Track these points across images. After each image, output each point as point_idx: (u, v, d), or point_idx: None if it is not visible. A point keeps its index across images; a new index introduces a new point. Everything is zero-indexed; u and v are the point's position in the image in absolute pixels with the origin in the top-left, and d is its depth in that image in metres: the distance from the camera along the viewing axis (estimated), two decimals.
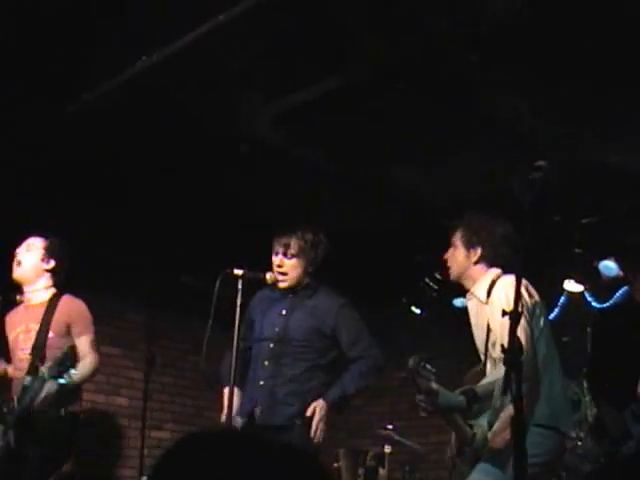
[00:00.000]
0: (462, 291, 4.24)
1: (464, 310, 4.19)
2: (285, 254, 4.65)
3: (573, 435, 3.74)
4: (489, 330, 3.81)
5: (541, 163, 2.95)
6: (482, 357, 3.93)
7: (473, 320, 4.04)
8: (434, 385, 3.60)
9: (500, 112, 5.67)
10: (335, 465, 7.28)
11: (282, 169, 6.47)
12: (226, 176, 6.61)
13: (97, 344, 5.40)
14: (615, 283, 7.19)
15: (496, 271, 4.00)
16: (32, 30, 4.87)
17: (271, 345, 4.64)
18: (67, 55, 5.03)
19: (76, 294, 7.31)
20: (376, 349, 4.67)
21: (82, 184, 6.50)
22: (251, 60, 5.12)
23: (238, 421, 4.50)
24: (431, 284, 7.67)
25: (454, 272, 4.15)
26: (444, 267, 4.25)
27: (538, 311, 3.81)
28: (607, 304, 7.41)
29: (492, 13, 4.61)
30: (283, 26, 4.81)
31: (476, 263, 4.03)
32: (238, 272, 4.38)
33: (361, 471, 6.48)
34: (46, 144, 6.00)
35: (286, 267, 4.66)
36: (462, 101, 5.52)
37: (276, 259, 4.68)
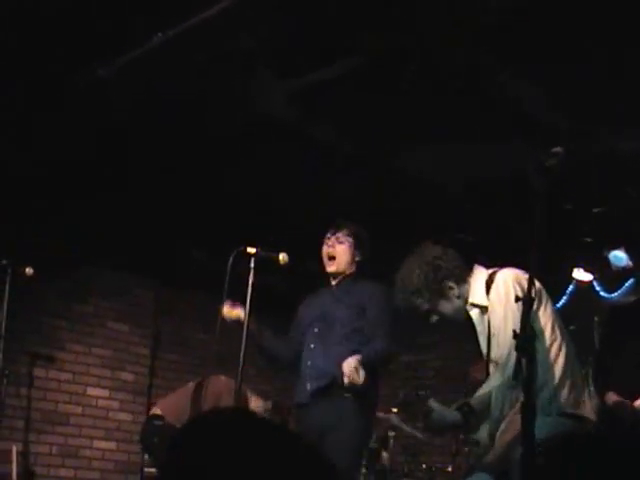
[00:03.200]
0: None
1: None
2: (336, 238, 4.94)
3: (594, 419, 3.62)
4: (489, 332, 3.72)
5: (557, 149, 2.92)
6: (485, 362, 3.84)
7: (479, 329, 3.91)
8: (430, 402, 3.54)
9: (513, 98, 5.65)
10: None
11: (294, 147, 6.45)
12: (237, 153, 6.59)
13: None
14: (624, 273, 7.18)
15: (479, 270, 3.87)
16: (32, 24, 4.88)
17: (315, 330, 4.86)
18: (79, 30, 5.03)
19: (84, 270, 7.37)
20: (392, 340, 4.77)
21: (90, 160, 6.50)
22: (264, 38, 5.09)
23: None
24: None
25: (459, 318, 3.93)
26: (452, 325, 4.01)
27: (544, 298, 3.73)
28: (616, 295, 7.40)
29: None
30: (298, 4, 4.79)
31: (459, 295, 3.85)
32: (251, 250, 4.36)
33: (364, 453, 6.49)
34: (56, 116, 5.98)
35: (336, 250, 4.93)
36: (475, 85, 5.50)
37: (326, 246, 4.95)
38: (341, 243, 4.94)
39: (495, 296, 3.67)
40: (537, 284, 3.67)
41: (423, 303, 3.85)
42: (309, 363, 4.80)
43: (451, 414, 3.54)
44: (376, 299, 4.81)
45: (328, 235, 4.99)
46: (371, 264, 4.93)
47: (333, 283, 4.99)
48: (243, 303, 4.34)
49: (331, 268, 4.93)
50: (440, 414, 3.53)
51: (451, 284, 3.84)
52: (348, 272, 4.96)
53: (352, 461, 4.71)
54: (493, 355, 3.67)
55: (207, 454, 1.29)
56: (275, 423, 1.39)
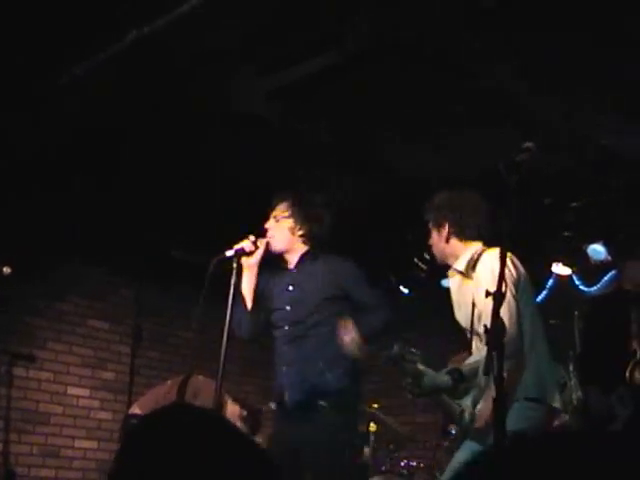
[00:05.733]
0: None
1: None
2: (274, 217, 4.66)
3: (560, 408, 3.70)
4: (474, 305, 3.77)
5: (528, 145, 2.94)
6: (468, 335, 3.89)
7: (455, 297, 3.99)
8: (420, 366, 3.58)
9: (495, 90, 5.64)
10: None
11: (276, 144, 6.45)
12: (217, 152, 6.58)
13: None
14: (603, 267, 7.21)
15: (476, 245, 3.94)
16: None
17: (286, 327, 4.57)
18: (56, 30, 5.00)
19: (64, 269, 7.30)
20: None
21: (73, 159, 6.46)
22: (246, 34, 5.08)
23: (271, 405, 4.67)
24: (420, 264, 7.66)
25: (436, 256, 4.13)
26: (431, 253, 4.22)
27: (524, 284, 3.77)
28: (595, 289, 7.42)
29: None
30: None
31: (448, 240, 3.98)
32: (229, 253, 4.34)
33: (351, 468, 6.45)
34: (34, 117, 5.95)
35: (271, 229, 4.63)
36: (457, 77, 5.49)
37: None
38: (277, 221, 4.63)
39: (481, 269, 3.77)
40: (522, 270, 3.74)
41: (431, 218, 4.08)
42: (284, 369, 4.51)
43: (442, 378, 3.61)
44: (354, 274, 4.54)
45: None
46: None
47: (291, 267, 4.65)
48: (225, 301, 4.23)
49: (270, 247, 4.59)
50: (431, 378, 3.58)
51: (447, 225, 3.98)
52: (299, 250, 4.63)
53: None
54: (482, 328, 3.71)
55: (157, 450, 1.31)
56: (239, 429, 1.41)
